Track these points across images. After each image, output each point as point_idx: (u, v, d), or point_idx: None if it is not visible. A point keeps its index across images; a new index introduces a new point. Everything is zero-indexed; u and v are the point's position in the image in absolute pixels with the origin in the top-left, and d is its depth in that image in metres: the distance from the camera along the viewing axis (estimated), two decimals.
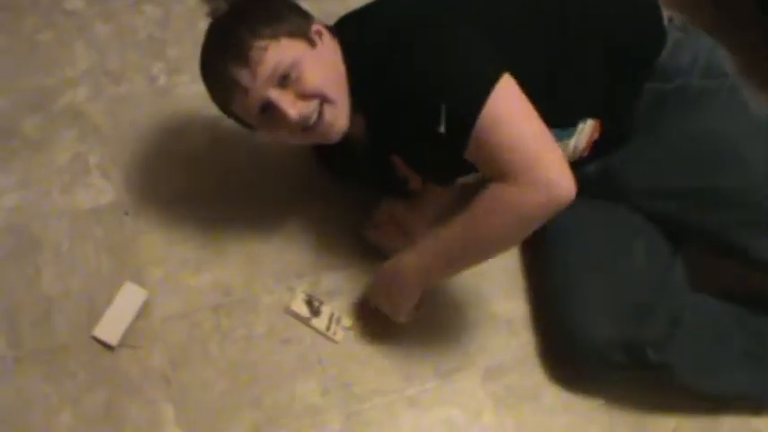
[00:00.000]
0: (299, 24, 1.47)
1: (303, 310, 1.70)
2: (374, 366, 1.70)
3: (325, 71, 1.46)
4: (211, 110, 1.91)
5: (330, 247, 1.81)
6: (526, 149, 1.37)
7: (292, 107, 1.43)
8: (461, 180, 1.62)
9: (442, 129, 1.38)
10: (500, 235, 1.44)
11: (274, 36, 1.42)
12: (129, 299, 1.68)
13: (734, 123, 1.63)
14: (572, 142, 1.60)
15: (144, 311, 1.69)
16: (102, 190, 1.84)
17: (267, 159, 1.92)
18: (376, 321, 1.72)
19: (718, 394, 1.72)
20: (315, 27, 1.49)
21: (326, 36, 1.50)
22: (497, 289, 1.81)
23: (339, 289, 1.76)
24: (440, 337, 1.74)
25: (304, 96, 1.44)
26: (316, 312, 1.70)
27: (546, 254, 1.74)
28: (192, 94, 2.00)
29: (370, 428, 1.64)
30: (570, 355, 1.69)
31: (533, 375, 1.74)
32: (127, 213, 1.80)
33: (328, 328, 1.69)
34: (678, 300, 1.68)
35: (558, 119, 1.50)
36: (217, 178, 1.88)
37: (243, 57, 1.42)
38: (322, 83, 1.45)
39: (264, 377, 1.66)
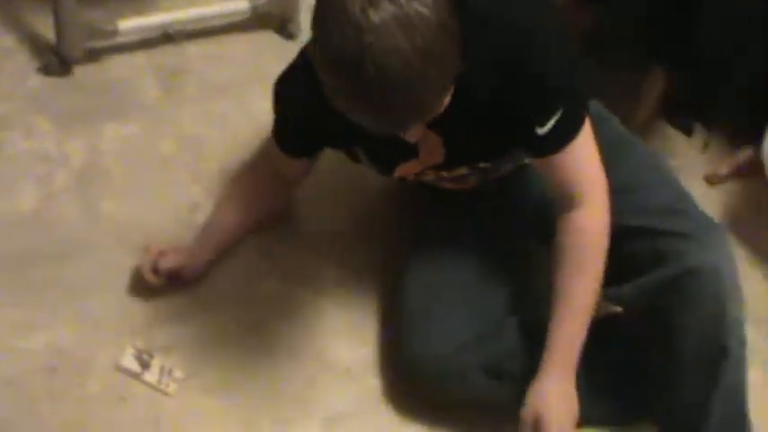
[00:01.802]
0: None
1: (133, 365, 1.68)
2: (212, 420, 1.69)
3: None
4: (41, 169, 1.90)
5: (163, 302, 1.80)
6: (597, 171, 1.59)
7: (416, 135, 1.43)
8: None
9: (544, 130, 1.50)
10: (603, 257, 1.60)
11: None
12: None
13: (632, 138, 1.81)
14: None
15: None
16: None
17: (98, 217, 1.91)
18: (211, 373, 1.73)
19: None
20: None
21: None
22: (334, 336, 1.83)
23: (173, 343, 1.75)
24: (277, 388, 1.75)
25: None
26: (146, 366, 1.69)
27: (405, 285, 1.80)
28: (21, 152, 1.98)
29: None
30: (424, 382, 1.73)
31: (373, 421, 1.76)
32: None
33: (160, 382, 1.68)
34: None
35: None
36: (46, 239, 1.85)
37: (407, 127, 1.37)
38: None
39: None
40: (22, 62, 2.16)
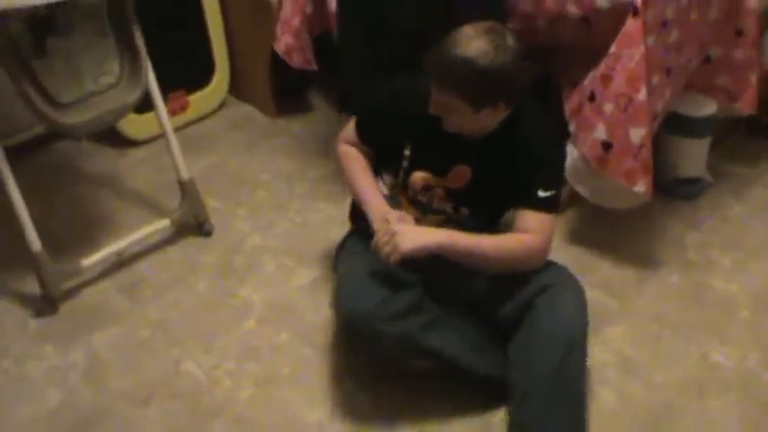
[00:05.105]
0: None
1: None
2: None
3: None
4: (57, 376, 2.48)
5: None
6: (551, 233, 2.30)
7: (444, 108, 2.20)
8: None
9: (544, 195, 2.26)
10: (506, 266, 2.28)
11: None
12: None
13: None
14: None
15: None
16: None
17: (108, 391, 2.53)
18: None
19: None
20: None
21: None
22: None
23: None
24: None
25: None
26: None
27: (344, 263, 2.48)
28: (40, 370, 2.59)
29: None
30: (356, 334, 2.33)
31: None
32: None
33: None
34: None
35: None
36: (72, 419, 2.45)
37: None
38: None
39: None
40: (20, 316, 2.83)
